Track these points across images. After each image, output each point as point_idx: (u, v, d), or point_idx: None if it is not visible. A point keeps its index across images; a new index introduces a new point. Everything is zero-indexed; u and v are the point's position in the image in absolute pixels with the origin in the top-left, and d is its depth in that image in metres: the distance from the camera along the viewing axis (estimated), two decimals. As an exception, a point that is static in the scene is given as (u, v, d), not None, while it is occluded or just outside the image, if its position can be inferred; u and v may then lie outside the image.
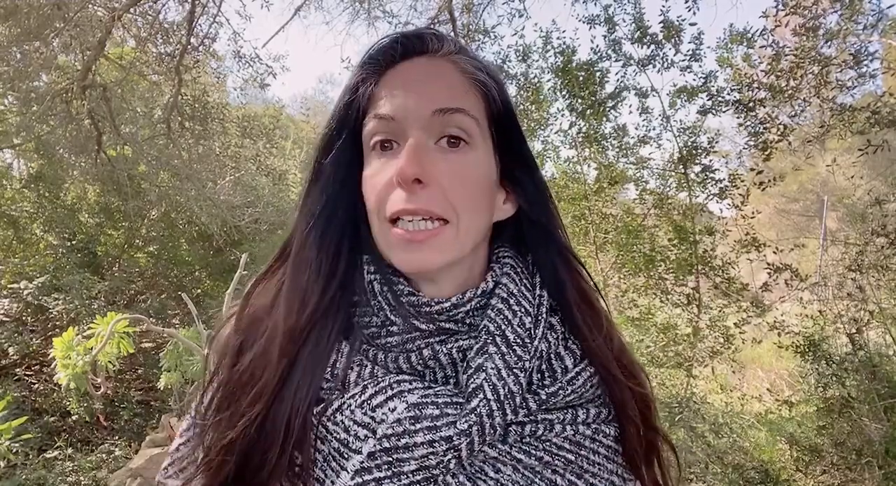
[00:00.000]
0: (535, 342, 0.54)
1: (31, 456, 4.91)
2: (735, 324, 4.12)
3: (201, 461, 0.55)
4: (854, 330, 3.80)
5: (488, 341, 0.52)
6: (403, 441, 0.49)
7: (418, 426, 0.49)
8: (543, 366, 0.56)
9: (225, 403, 0.55)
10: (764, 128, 3.94)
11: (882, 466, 3.32)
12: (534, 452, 0.53)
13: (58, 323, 6.10)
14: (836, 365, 3.76)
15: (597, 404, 0.58)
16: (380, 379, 0.52)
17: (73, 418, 5.57)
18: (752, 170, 4.19)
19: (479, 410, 0.49)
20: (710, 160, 4.13)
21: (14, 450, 3.59)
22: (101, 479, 4.77)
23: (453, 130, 0.53)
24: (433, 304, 0.54)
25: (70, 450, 5.27)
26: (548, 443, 0.53)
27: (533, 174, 0.61)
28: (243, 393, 0.54)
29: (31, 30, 4.88)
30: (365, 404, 0.51)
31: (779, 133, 3.87)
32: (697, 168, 4.14)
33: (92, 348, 3.08)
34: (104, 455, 5.21)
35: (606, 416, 0.58)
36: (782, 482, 3.62)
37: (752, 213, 4.14)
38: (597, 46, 4.24)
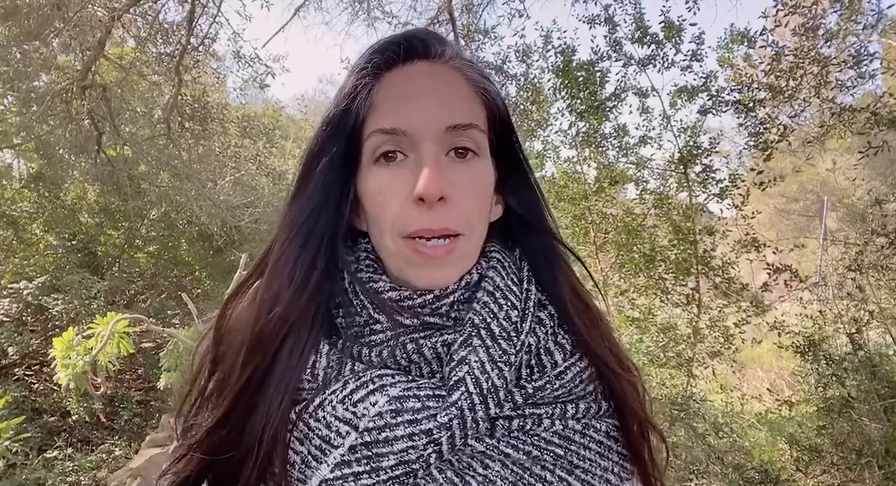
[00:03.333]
0: (522, 337, 0.53)
1: (31, 456, 4.91)
2: (735, 324, 4.12)
3: (171, 461, 0.55)
4: (854, 330, 3.80)
5: (473, 333, 0.52)
6: (384, 435, 0.48)
7: (399, 419, 0.49)
8: (532, 361, 0.55)
9: (196, 409, 0.56)
10: (764, 128, 3.94)
11: (882, 466, 3.32)
12: (522, 446, 0.52)
13: (58, 323, 6.10)
14: (836, 365, 3.75)
15: (588, 400, 0.57)
16: (361, 374, 0.51)
17: (73, 418, 5.57)
18: (752, 170, 4.19)
19: (460, 403, 0.49)
20: (711, 160, 4.14)
21: (14, 450, 3.59)
22: (101, 479, 4.77)
23: (464, 141, 0.53)
24: (415, 297, 0.54)
25: (70, 450, 5.27)
26: (536, 438, 0.53)
27: (526, 175, 0.61)
28: (213, 401, 0.55)
29: (31, 30, 4.88)
30: (346, 399, 0.50)
31: (779, 133, 3.88)
32: (698, 168, 4.15)
33: (92, 348, 3.08)
34: (104, 455, 5.21)
35: (597, 411, 0.57)
36: (782, 482, 3.62)
37: (752, 213, 4.14)
38: (597, 46, 4.24)
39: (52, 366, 3.23)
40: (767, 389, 4.69)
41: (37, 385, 6.15)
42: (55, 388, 5.48)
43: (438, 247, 0.52)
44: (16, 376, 6.10)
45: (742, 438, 4.36)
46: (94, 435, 5.77)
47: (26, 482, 4.49)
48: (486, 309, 0.53)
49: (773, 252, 4.11)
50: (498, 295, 0.54)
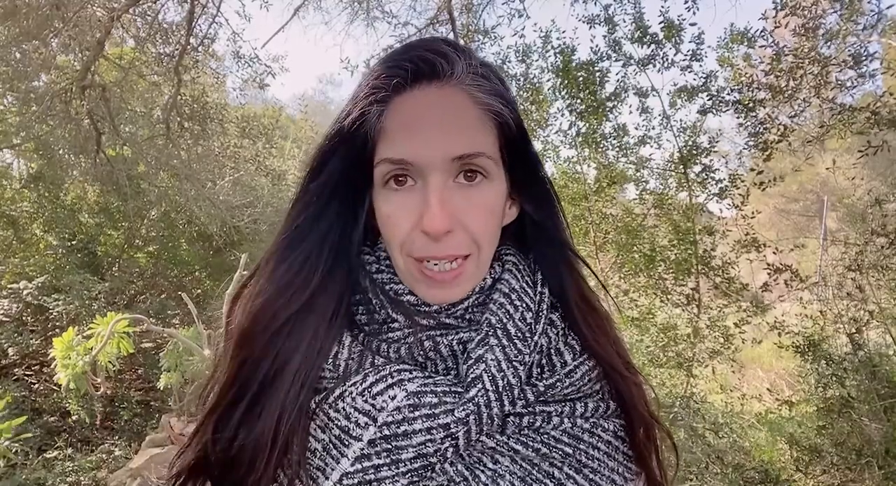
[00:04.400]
0: (536, 337, 0.55)
1: (31, 456, 4.91)
2: (735, 324, 4.12)
3: (182, 449, 0.57)
4: (854, 330, 3.80)
5: (489, 333, 0.54)
6: (402, 429, 0.50)
7: (417, 413, 0.50)
8: (543, 361, 0.57)
9: (205, 402, 0.58)
10: (764, 128, 3.94)
11: (882, 466, 3.32)
12: (531, 443, 0.54)
13: (58, 323, 6.09)
14: (836, 365, 3.75)
15: (595, 398, 0.59)
16: (380, 368, 0.53)
17: (73, 418, 5.57)
18: (752, 170, 4.19)
19: (476, 399, 0.51)
20: (711, 160, 4.13)
21: (14, 450, 3.58)
22: (101, 479, 4.77)
23: (472, 167, 0.53)
24: (431, 305, 0.56)
25: (70, 450, 5.27)
26: (546, 435, 0.54)
27: (539, 181, 0.61)
28: (226, 396, 0.56)
29: (31, 30, 4.87)
30: (366, 391, 0.52)
31: (779, 133, 3.87)
32: (697, 168, 4.15)
33: (92, 348, 3.09)
34: (104, 455, 5.21)
35: (605, 411, 0.58)
36: (782, 482, 3.62)
37: (752, 213, 4.14)
38: (597, 46, 4.24)
39: (52, 366, 3.24)
40: (767, 389, 4.69)
41: (37, 385, 6.15)
42: (55, 388, 5.47)
43: (446, 272, 0.53)
44: (16, 377, 6.10)
45: (742, 438, 4.36)
46: (94, 435, 5.77)
47: (26, 482, 4.49)
48: (503, 310, 0.55)
49: (773, 252, 4.11)
50: (514, 297, 0.56)
